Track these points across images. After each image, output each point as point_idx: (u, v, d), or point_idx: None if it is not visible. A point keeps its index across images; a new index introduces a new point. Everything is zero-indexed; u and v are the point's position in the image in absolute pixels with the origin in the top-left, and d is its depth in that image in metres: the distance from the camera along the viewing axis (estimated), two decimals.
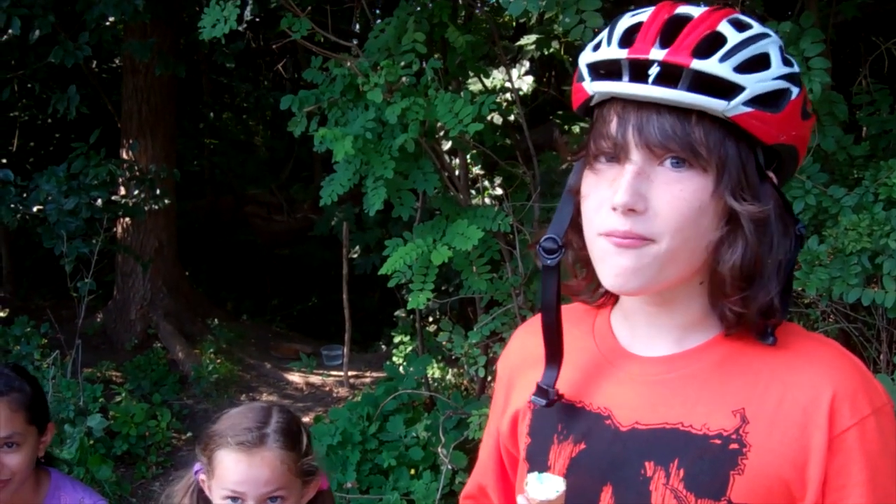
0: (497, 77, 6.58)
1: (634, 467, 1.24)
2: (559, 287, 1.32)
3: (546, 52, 7.05)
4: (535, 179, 4.94)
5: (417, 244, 4.12)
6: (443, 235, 4.21)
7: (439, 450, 4.77)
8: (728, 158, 1.14)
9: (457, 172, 5.09)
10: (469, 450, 4.90)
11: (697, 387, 1.24)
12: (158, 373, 7.49)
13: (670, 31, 1.15)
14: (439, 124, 4.17)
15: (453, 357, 5.24)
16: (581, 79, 1.23)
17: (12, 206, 6.34)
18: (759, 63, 1.14)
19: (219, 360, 7.74)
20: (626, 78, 1.15)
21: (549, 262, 1.30)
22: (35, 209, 6.44)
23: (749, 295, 1.19)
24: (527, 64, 7.40)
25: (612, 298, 1.40)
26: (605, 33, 1.22)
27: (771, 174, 1.20)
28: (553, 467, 1.32)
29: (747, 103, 1.12)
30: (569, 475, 1.29)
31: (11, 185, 6.39)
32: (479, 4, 5.62)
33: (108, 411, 6.31)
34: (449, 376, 6.55)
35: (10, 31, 6.01)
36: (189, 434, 6.72)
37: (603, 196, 1.19)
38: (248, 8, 3.99)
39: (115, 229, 8.14)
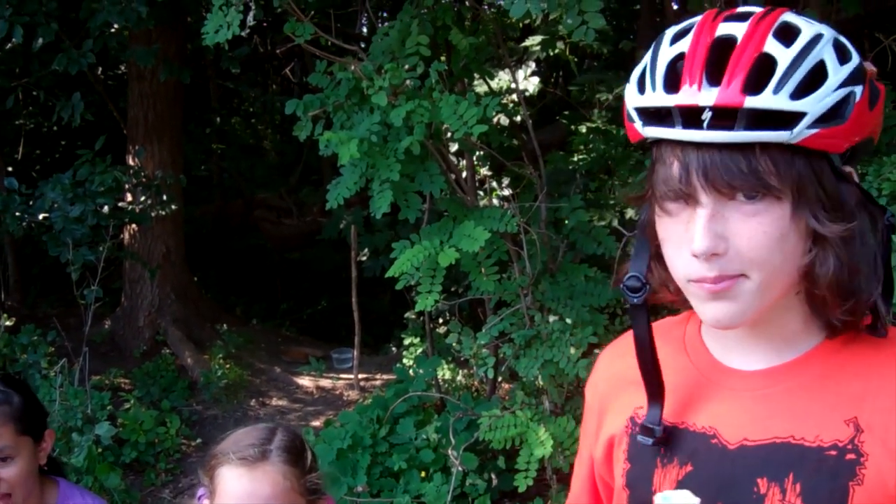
0: (503, 78, 6.57)
1: (746, 486, 1.20)
2: (650, 323, 1.29)
3: (552, 53, 7.06)
4: (542, 179, 4.92)
5: (425, 246, 4.12)
6: (450, 237, 4.20)
7: (450, 452, 4.76)
8: (802, 179, 1.09)
9: (464, 174, 5.08)
10: (480, 451, 4.90)
11: (805, 398, 1.20)
12: (167, 379, 7.48)
13: (715, 62, 1.09)
14: (445, 126, 4.16)
15: (463, 358, 5.23)
16: (631, 119, 1.19)
17: (18, 214, 6.37)
18: (815, 78, 1.08)
19: (228, 366, 7.73)
20: (678, 125, 1.10)
21: (635, 300, 1.27)
22: (41, 217, 6.46)
23: (851, 304, 1.16)
24: (532, 65, 7.39)
25: None
26: (647, 68, 1.17)
27: (849, 169, 1.15)
28: (659, 492, 1.29)
29: (811, 126, 1.07)
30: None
31: (17, 193, 6.41)
32: (484, 6, 5.62)
33: (117, 419, 6.31)
34: (459, 377, 6.53)
35: (13, 39, 6.01)
36: (199, 440, 6.72)
37: (681, 239, 1.16)
38: (251, 13, 3.97)
39: (121, 236, 8.17)
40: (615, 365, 1.43)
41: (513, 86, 6.60)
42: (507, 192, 6.30)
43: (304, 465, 2.05)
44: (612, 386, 1.42)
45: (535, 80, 7.41)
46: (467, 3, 5.31)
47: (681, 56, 1.13)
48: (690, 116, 1.08)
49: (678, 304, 1.32)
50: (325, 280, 11.85)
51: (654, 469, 1.29)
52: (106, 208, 6.66)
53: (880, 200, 3.32)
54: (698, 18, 1.16)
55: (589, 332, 4.32)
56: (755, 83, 1.06)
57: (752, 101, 1.05)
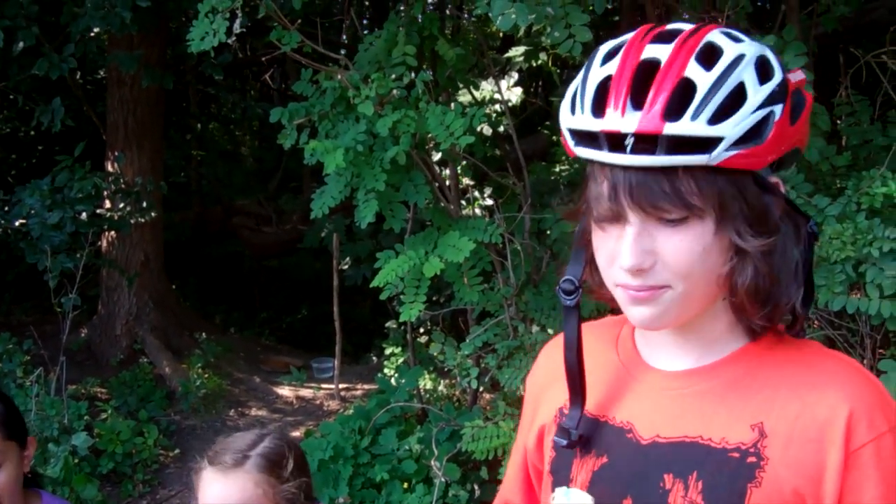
0: (486, 88, 6.57)
1: (654, 480, 1.26)
2: (580, 326, 1.36)
3: (534, 64, 7.07)
4: (526, 190, 4.93)
5: (409, 256, 4.11)
6: (434, 247, 4.20)
7: (432, 462, 4.74)
8: (723, 197, 1.15)
9: (447, 183, 5.07)
10: (462, 462, 4.88)
11: (716, 401, 1.26)
12: (145, 389, 7.40)
13: (640, 86, 1.13)
14: (429, 136, 4.15)
15: (445, 368, 5.22)
16: (565, 137, 1.25)
17: None
18: (734, 101, 1.12)
19: (207, 375, 7.67)
20: (605, 149, 1.15)
21: (568, 302, 1.34)
22: (18, 223, 6.39)
23: (770, 310, 1.22)
24: (515, 75, 7.40)
25: None
26: (577, 89, 1.22)
27: (775, 180, 1.21)
28: (575, 480, 1.35)
29: (729, 148, 1.11)
30: (591, 489, 1.33)
31: None
32: (466, 16, 5.62)
33: (94, 429, 6.23)
34: (441, 388, 6.52)
35: None
36: (177, 451, 6.66)
37: (611, 252, 1.21)
38: (238, 21, 3.95)
39: (100, 243, 8.08)
40: (554, 358, 1.47)
41: (496, 96, 6.62)
42: (489, 203, 6.30)
43: (281, 474, 2.05)
44: (548, 378, 1.48)
45: (518, 90, 7.43)
46: (448, 12, 5.32)
47: (608, 77, 1.17)
48: (615, 141, 1.13)
49: (614, 305, 1.38)
50: (304, 288, 11.82)
51: (574, 458, 1.36)
52: (84, 215, 6.60)
53: (859, 214, 3.39)
54: (630, 36, 1.21)
55: None
56: (675, 108, 1.11)
57: (670, 128, 1.10)
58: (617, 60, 1.17)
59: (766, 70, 1.16)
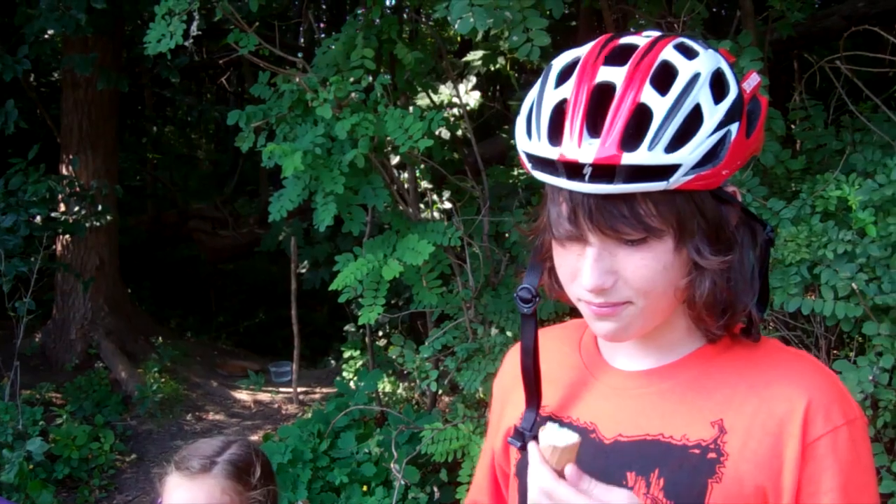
0: (444, 92, 6.59)
1: (617, 479, 1.26)
2: (537, 333, 1.37)
3: (493, 68, 7.09)
4: (485, 193, 4.95)
5: (368, 259, 4.11)
6: (393, 250, 4.21)
7: (392, 465, 4.74)
8: (682, 216, 1.16)
9: (406, 187, 5.09)
10: (422, 464, 4.89)
11: (676, 399, 1.28)
12: (100, 393, 7.32)
13: (595, 111, 1.13)
14: (388, 139, 4.16)
15: (405, 371, 5.22)
16: (522, 159, 1.24)
17: None
18: (690, 125, 1.13)
19: (163, 380, 7.61)
20: (562, 176, 1.15)
21: (525, 310, 1.34)
22: None
23: (726, 319, 1.25)
24: (473, 79, 7.41)
25: None
26: (533, 109, 1.21)
27: (732, 189, 1.23)
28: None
29: (687, 173, 1.12)
30: None
31: None
32: (423, 20, 5.64)
33: (49, 434, 6.15)
34: (400, 391, 6.52)
35: None
36: (133, 456, 6.60)
37: (572, 268, 1.23)
38: (195, 23, 3.94)
39: (54, 247, 8.00)
40: (518, 361, 1.47)
41: (454, 100, 6.63)
42: (448, 206, 6.31)
43: (247, 481, 2.05)
44: (514, 381, 1.46)
45: (476, 94, 7.44)
46: (406, 15, 5.33)
47: (563, 101, 1.17)
48: (572, 170, 1.13)
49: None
50: (260, 292, 11.76)
51: None
52: (39, 219, 6.53)
53: (814, 217, 3.44)
54: (585, 52, 1.19)
55: None
56: (632, 136, 1.11)
57: (628, 158, 1.10)
58: (572, 83, 1.17)
59: (722, 87, 1.16)
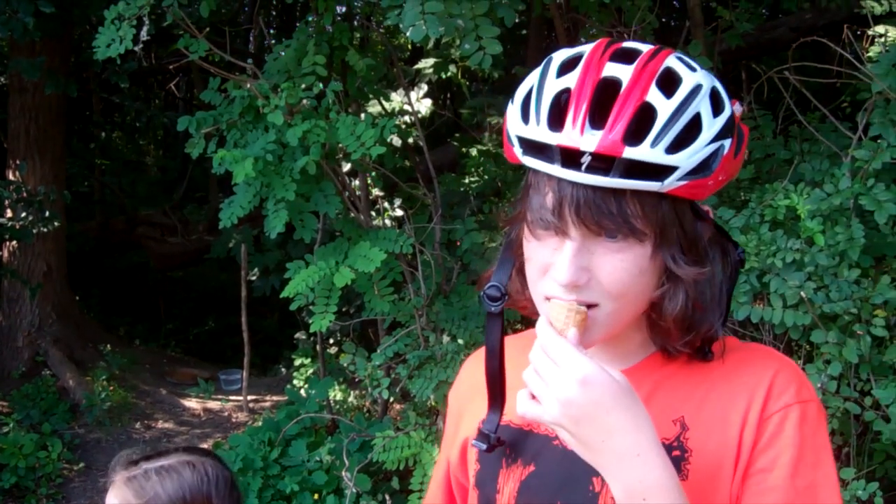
0: (395, 99, 6.59)
1: (583, 484, 1.26)
2: (503, 333, 1.34)
3: (444, 76, 7.11)
4: (437, 201, 4.96)
5: (320, 267, 4.10)
6: (345, 258, 4.20)
7: (343, 473, 4.73)
8: (664, 223, 1.17)
9: (358, 194, 5.08)
10: (373, 472, 4.88)
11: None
12: (48, 401, 7.22)
13: (600, 104, 1.14)
14: (340, 146, 4.16)
15: (356, 379, 5.21)
16: (511, 143, 1.23)
17: None
18: (690, 132, 1.14)
19: (112, 388, 7.53)
20: (557, 163, 1.14)
21: (492, 308, 1.31)
22: None
23: (692, 336, 1.25)
24: (425, 87, 7.43)
25: None
26: (533, 94, 1.21)
27: (706, 208, 1.24)
28: (502, 492, 1.34)
29: (682, 178, 1.14)
30: (519, 498, 1.32)
31: None
32: (374, 27, 5.64)
33: None
34: (351, 398, 6.50)
35: None
36: (82, 465, 6.52)
37: (545, 261, 1.21)
38: (145, 28, 3.90)
39: (1, 253, 7.89)
40: (475, 372, 1.48)
41: (406, 107, 6.64)
42: (399, 213, 6.31)
43: (218, 493, 2.02)
44: (471, 391, 1.48)
45: (428, 102, 7.46)
46: (356, 22, 5.33)
47: (566, 91, 1.17)
48: (570, 157, 1.13)
49: (534, 315, 1.37)
50: (209, 300, 11.67)
51: (500, 469, 1.36)
52: None
53: (763, 226, 3.49)
54: (588, 49, 1.20)
55: None
56: (635, 132, 1.12)
57: (630, 153, 1.11)
58: (576, 74, 1.17)
59: (719, 102, 1.18)
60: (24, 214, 7.16)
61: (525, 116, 1.20)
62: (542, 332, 1.18)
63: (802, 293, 3.31)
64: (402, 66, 6.52)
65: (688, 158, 1.13)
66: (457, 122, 8.28)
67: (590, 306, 1.19)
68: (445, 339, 4.61)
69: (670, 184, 1.13)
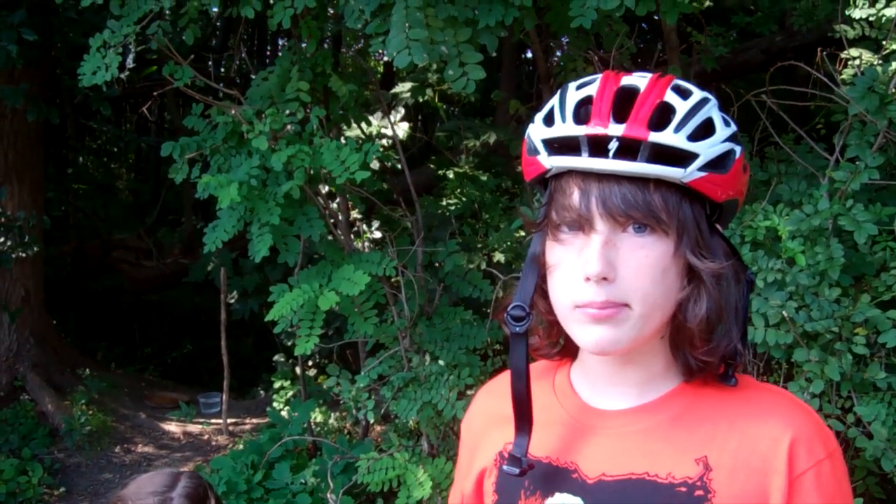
0: (374, 123, 6.66)
1: None
2: (528, 353, 1.33)
3: (420, 100, 7.19)
4: (418, 223, 5.02)
5: (304, 290, 4.14)
6: (329, 280, 4.24)
7: (328, 495, 4.76)
8: (686, 220, 1.21)
9: (340, 217, 5.13)
10: (357, 494, 4.90)
11: (660, 438, 1.28)
12: (27, 426, 7.18)
13: (622, 103, 1.20)
14: (324, 171, 4.21)
15: (339, 401, 5.24)
16: (534, 152, 1.27)
17: None
18: (706, 129, 1.21)
19: (91, 412, 7.49)
20: (585, 153, 1.19)
21: (517, 329, 1.31)
22: None
23: (714, 345, 1.26)
24: (402, 110, 7.51)
25: (569, 355, 1.43)
26: (555, 106, 1.26)
27: (718, 226, 1.28)
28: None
29: (702, 168, 1.19)
30: None
31: None
32: (345, 51, 5.70)
33: None
34: (332, 420, 6.52)
35: None
36: (62, 489, 6.49)
37: (573, 266, 1.23)
38: (130, 56, 3.95)
39: None
40: (489, 403, 1.49)
41: (384, 130, 6.71)
42: (377, 235, 6.36)
43: None
44: (486, 423, 1.47)
45: (405, 125, 7.54)
46: (326, 46, 5.39)
47: (588, 99, 1.24)
48: (597, 146, 1.18)
49: (543, 351, 1.42)
50: (185, 323, 11.62)
51: (518, 501, 1.35)
52: None
53: (744, 247, 3.55)
54: (598, 75, 1.27)
55: (466, 373, 4.41)
56: (658, 121, 1.18)
57: (655, 136, 1.17)
58: (595, 85, 1.24)
59: (726, 119, 1.25)
60: (2, 240, 7.15)
61: (549, 122, 1.25)
62: None
63: (784, 312, 3.36)
64: (382, 92, 6.59)
65: (708, 147, 1.18)
66: (433, 144, 8.35)
67: (622, 306, 1.20)
68: (428, 359, 4.66)
69: (691, 173, 1.17)
